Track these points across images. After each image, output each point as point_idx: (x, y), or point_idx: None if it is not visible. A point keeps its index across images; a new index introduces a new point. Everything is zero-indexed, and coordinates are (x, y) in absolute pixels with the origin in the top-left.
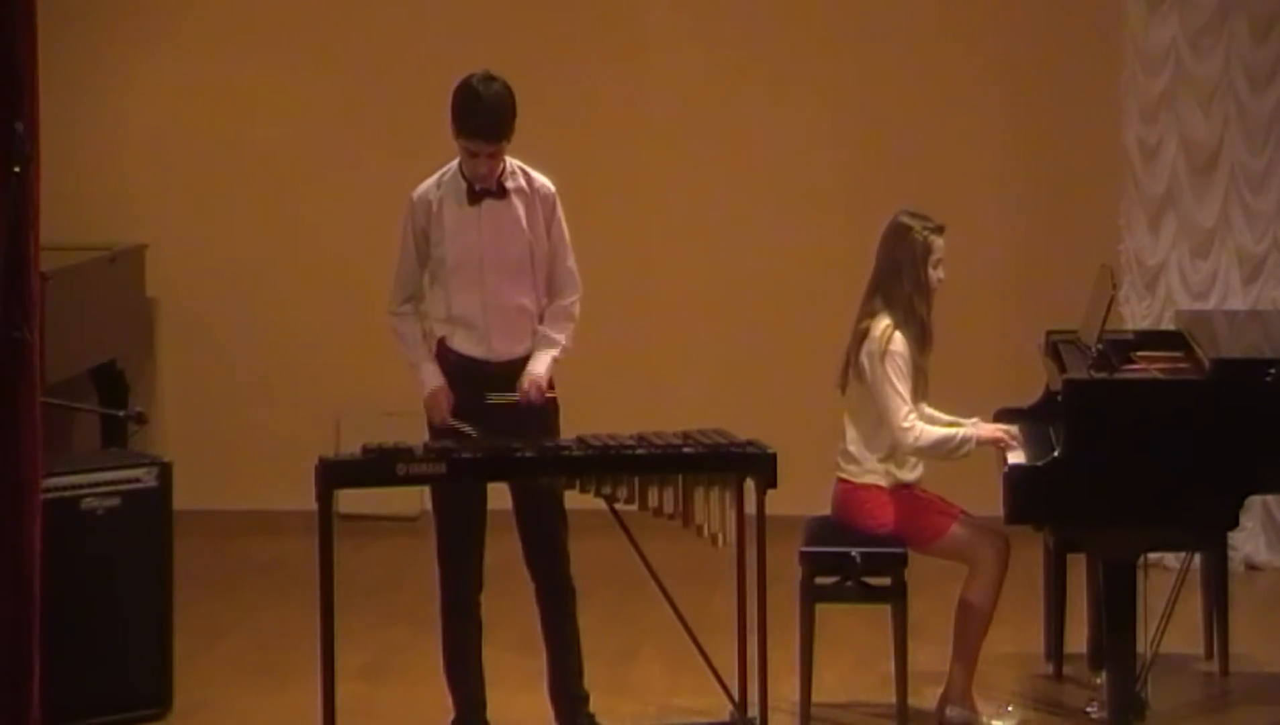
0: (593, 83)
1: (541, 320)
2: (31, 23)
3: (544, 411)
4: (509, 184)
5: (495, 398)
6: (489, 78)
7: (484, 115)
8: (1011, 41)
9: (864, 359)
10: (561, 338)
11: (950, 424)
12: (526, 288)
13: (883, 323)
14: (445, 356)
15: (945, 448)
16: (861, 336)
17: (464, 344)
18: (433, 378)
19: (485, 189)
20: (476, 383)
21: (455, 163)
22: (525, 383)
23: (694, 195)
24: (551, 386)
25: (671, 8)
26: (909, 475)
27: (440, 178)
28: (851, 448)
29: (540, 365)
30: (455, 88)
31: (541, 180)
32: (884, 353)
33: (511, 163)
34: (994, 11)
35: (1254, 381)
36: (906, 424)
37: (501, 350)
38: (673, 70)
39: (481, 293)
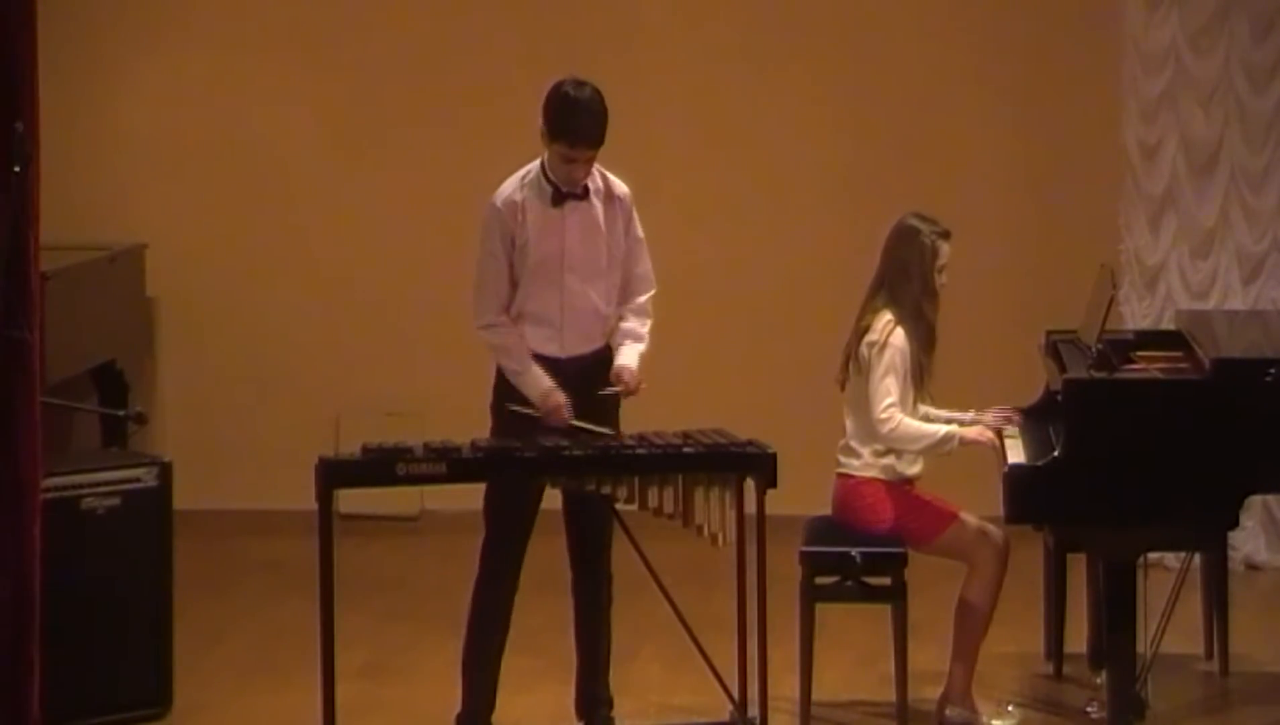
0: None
1: (620, 318)
2: (31, 23)
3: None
4: (589, 185)
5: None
6: (579, 83)
7: (586, 121)
8: (1011, 41)
9: (864, 349)
10: (646, 332)
11: (946, 422)
12: (602, 289)
13: (885, 317)
14: None
15: (924, 443)
16: (863, 332)
17: (535, 340)
18: (544, 379)
19: (571, 191)
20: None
21: (537, 164)
22: (624, 376)
23: (692, 194)
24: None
25: (667, 5)
26: (909, 470)
27: (523, 180)
28: (852, 442)
29: (634, 360)
30: (548, 95)
31: (618, 182)
32: (884, 345)
33: None
34: (993, 10)
35: (1254, 381)
36: (884, 414)
37: (573, 348)
38: (667, 66)
39: (560, 293)
